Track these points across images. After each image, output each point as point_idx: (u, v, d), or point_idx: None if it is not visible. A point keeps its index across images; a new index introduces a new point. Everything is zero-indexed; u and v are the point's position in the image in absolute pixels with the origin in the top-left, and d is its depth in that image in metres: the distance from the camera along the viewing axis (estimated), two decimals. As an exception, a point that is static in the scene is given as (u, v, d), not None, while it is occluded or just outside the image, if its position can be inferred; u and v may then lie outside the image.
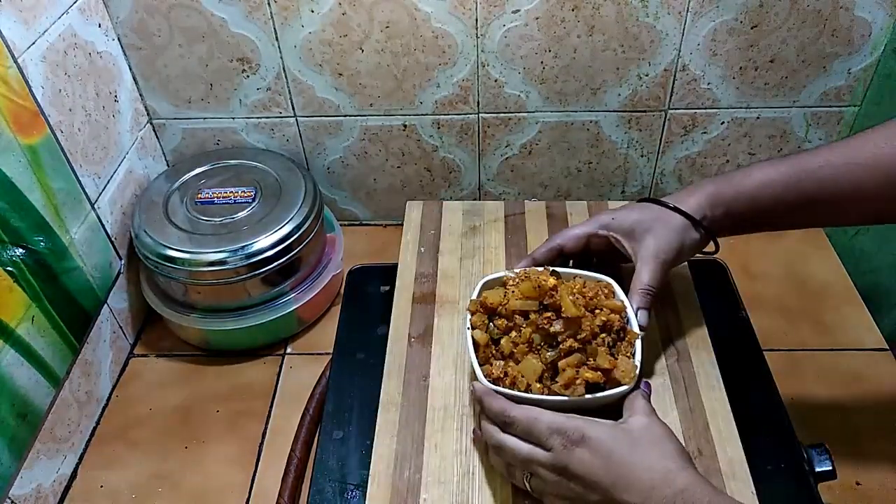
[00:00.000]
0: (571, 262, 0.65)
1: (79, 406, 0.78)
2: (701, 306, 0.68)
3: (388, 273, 0.77)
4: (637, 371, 0.54)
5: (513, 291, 0.58)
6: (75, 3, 0.77)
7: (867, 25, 0.84)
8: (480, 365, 0.56)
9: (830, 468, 0.58)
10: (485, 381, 0.55)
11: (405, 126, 0.94)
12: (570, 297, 0.55)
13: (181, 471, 0.77)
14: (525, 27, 0.84)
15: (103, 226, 0.82)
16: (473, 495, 0.55)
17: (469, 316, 0.59)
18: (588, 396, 0.53)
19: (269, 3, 0.83)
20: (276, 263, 0.82)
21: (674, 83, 0.89)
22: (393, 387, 0.63)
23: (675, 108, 0.92)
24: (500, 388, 0.54)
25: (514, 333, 0.56)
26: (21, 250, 0.67)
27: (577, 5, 0.82)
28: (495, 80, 0.89)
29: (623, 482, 0.47)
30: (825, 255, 0.97)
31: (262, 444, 0.79)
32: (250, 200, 0.86)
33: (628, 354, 0.55)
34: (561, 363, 0.54)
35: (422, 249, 0.76)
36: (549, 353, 0.55)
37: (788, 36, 0.85)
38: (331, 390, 0.72)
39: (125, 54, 0.88)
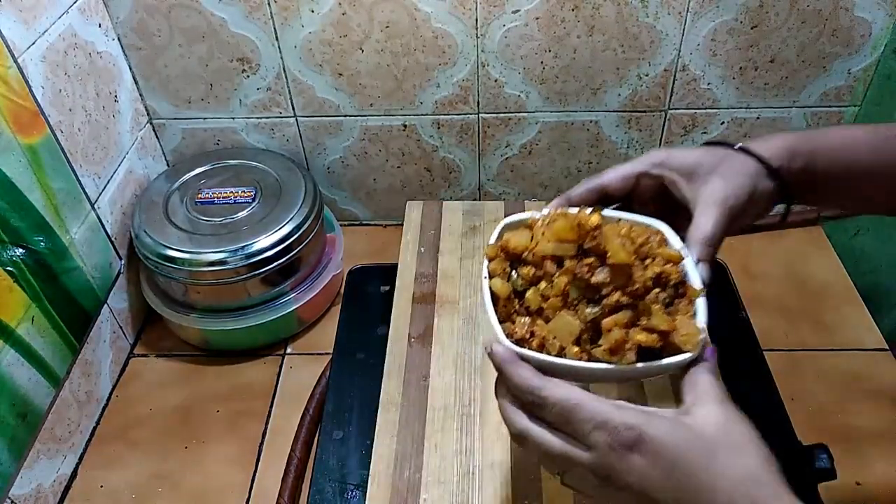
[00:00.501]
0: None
1: (79, 406, 0.78)
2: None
3: (388, 273, 0.77)
4: (702, 336, 0.42)
5: (543, 233, 0.46)
6: (75, 3, 0.77)
7: (867, 25, 0.84)
8: (501, 322, 0.45)
9: (830, 468, 0.58)
10: (507, 341, 0.43)
11: (405, 126, 0.94)
12: (619, 240, 0.44)
13: (181, 471, 0.77)
14: (525, 27, 0.84)
15: (103, 226, 0.82)
16: (473, 495, 0.55)
17: (486, 262, 0.48)
18: (641, 365, 0.42)
19: (269, 3, 0.83)
20: (276, 263, 0.82)
21: (674, 83, 0.89)
22: (393, 387, 0.63)
23: (675, 109, 0.92)
24: (527, 351, 0.43)
25: (543, 284, 0.45)
26: (21, 250, 0.67)
27: (577, 5, 0.82)
28: (495, 80, 0.89)
29: (691, 501, 0.37)
30: (825, 255, 0.97)
31: (262, 444, 0.79)
32: (250, 200, 0.86)
33: (689, 315, 0.44)
34: (605, 322, 0.43)
35: (422, 249, 0.76)
36: (589, 310, 0.43)
37: (788, 36, 0.85)
38: (331, 390, 0.72)
39: (125, 54, 0.88)
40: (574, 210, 0.46)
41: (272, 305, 0.85)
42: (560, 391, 0.40)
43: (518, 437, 0.42)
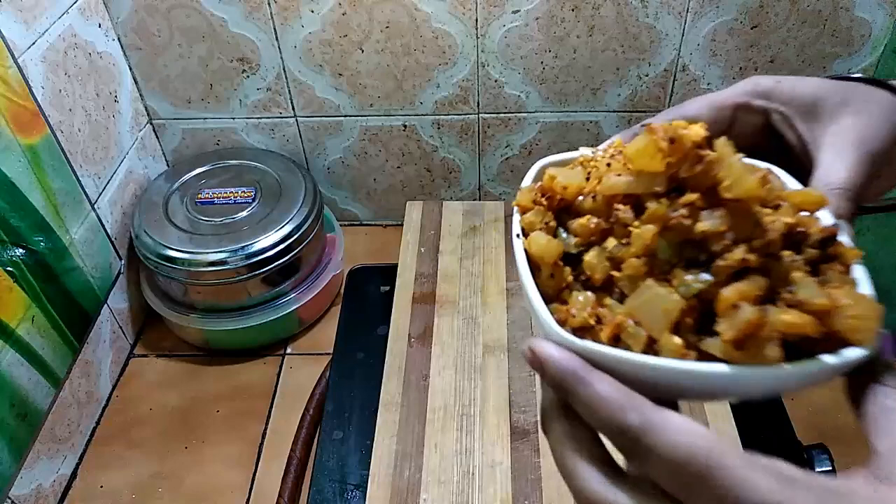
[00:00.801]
0: None
1: (79, 406, 0.78)
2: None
3: (388, 273, 0.77)
4: (878, 319, 0.27)
5: (609, 164, 0.32)
6: (75, 3, 0.77)
7: (867, 25, 0.84)
8: (547, 302, 0.30)
9: (830, 468, 0.58)
10: (563, 332, 0.28)
11: (405, 126, 0.94)
12: (738, 163, 0.28)
13: (181, 471, 0.77)
14: (525, 27, 0.84)
15: (103, 226, 0.82)
16: (473, 495, 0.55)
17: (517, 216, 0.33)
18: (790, 368, 0.26)
19: (269, 3, 0.83)
20: (276, 263, 0.82)
21: (674, 83, 0.89)
22: (393, 387, 0.63)
23: (675, 108, 0.92)
24: (593, 346, 0.28)
25: (612, 242, 0.30)
26: (21, 250, 0.67)
27: (577, 5, 0.82)
28: (495, 81, 0.89)
29: None
30: (825, 255, 0.97)
31: (262, 444, 0.79)
32: (250, 200, 0.86)
33: (850, 287, 0.29)
34: (726, 294, 0.27)
35: (422, 249, 0.76)
36: (692, 277, 0.28)
37: (788, 36, 0.85)
38: (331, 390, 0.72)
39: (125, 54, 0.88)
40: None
41: (272, 305, 0.85)
42: (682, 437, 0.24)
43: (585, 497, 0.26)
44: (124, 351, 0.89)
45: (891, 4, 0.82)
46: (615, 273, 0.29)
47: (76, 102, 0.77)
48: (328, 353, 0.84)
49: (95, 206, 0.81)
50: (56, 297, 0.72)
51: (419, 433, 0.59)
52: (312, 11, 0.83)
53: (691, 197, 0.28)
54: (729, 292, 0.27)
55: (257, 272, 0.81)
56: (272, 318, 0.85)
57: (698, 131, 0.29)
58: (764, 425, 0.62)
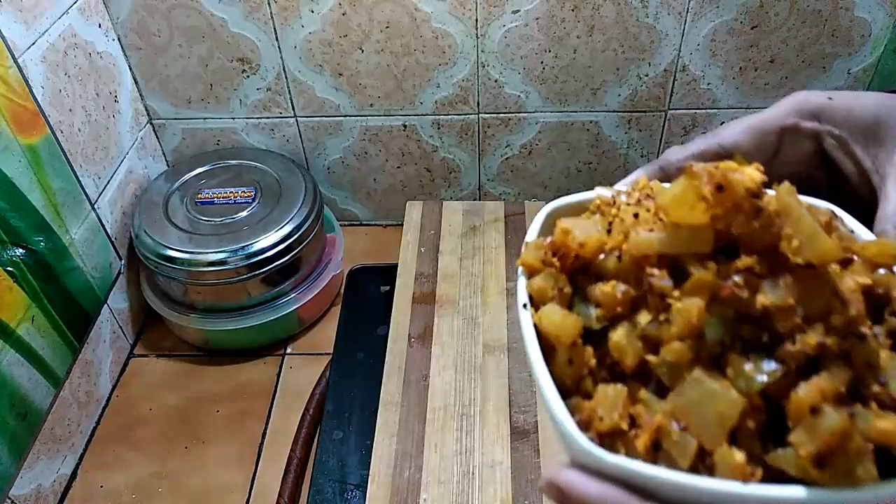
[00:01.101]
0: None
1: (79, 406, 0.78)
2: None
3: (388, 273, 0.77)
4: None
5: (636, 215, 0.26)
6: (75, 3, 0.77)
7: (867, 25, 0.84)
8: (566, 397, 0.24)
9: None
10: (583, 440, 0.23)
11: (405, 126, 0.94)
12: (808, 217, 0.23)
13: (181, 471, 0.77)
14: (525, 27, 0.84)
15: (103, 226, 0.82)
16: (473, 495, 0.55)
17: (524, 277, 0.27)
18: (891, 488, 0.21)
19: (269, 3, 0.83)
20: (276, 263, 0.82)
21: (674, 83, 0.89)
22: (393, 387, 0.63)
23: (675, 109, 0.92)
24: (629, 464, 0.22)
25: (644, 316, 0.24)
26: (21, 250, 0.67)
27: (577, 5, 0.82)
28: (495, 81, 0.89)
29: None
30: (825, 255, 0.97)
31: (262, 444, 0.79)
32: (250, 200, 0.86)
33: None
34: (805, 395, 0.21)
35: (422, 249, 0.76)
36: (751, 367, 0.22)
37: (788, 36, 0.85)
38: (331, 390, 0.72)
39: (125, 54, 0.88)
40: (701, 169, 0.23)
41: (272, 305, 0.85)
42: None
43: None
44: (124, 351, 0.89)
45: (891, 4, 0.82)
46: (651, 358, 0.23)
47: (76, 102, 0.77)
48: (328, 353, 0.85)
49: (95, 206, 0.81)
50: (56, 297, 0.72)
51: (419, 433, 0.59)
52: (312, 11, 0.83)
53: (748, 261, 0.22)
54: (806, 392, 0.21)
55: (257, 272, 0.81)
56: (272, 318, 0.85)
57: (753, 175, 0.23)
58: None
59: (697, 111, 0.92)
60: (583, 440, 0.23)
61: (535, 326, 0.25)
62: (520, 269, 0.27)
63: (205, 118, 0.94)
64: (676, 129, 0.94)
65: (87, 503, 0.75)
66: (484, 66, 0.88)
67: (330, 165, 0.99)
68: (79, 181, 0.77)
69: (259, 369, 0.87)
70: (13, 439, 0.66)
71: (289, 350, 0.89)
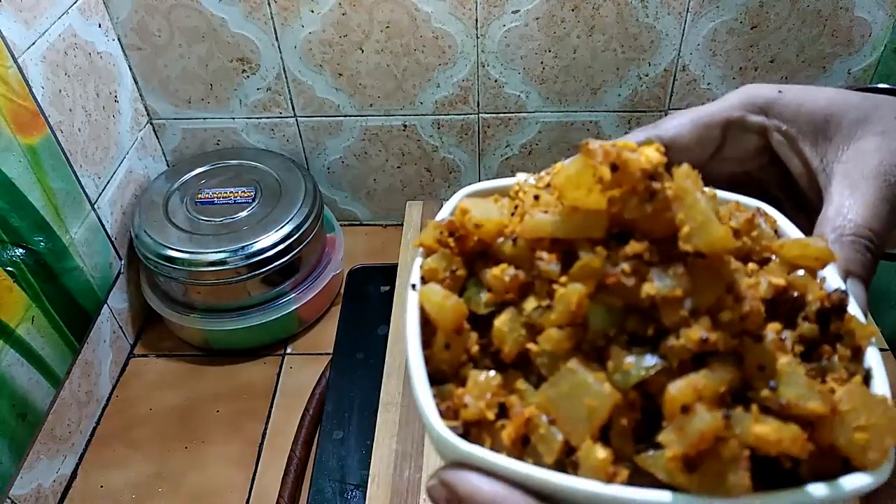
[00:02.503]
0: None
1: (79, 406, 0.78)
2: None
3: (388, 273, 0.77)
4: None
5: (536, 196, 0.25)
6: (75, 3, 0.77)
7: (867, 25, 0.84)
8: (437, 381, 0.24)
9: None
10: (444, 430, 0.22)
11: (405, 126, 0.94)
12: (703, 201, 0.21)
13: (181, 471, 0.77)
14: (525, 27, 0.84)
15: (103, 226, 0.82)
16: (473, 495, 0.55)
17: (419, 261, 0.26)
18: (761, 502, 0.19)
19: (269, 3, 0.83)
20: (276, 263, 0.82)
21: (674, 83, 0.89)
22: (393, 387, 0.63)
23: (676, 109, 0.92)
24: (484, 453, 0.21)
25: (532, 303, 0.23)
26: (21, 250, 0.67)
27: (577, 5, 0.82)
28: (495, 81, 0.89)
29: None
30: (825, 255, 0.97)
31: (262, 444, 0.79)
32: (250, 200, 0.86)
33: (857, 383, 0.21)
34: (677, 392, 0.20)
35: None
36: (632, 359, 0.21)
37: (788, 36, 0.85)
38: (331, 390, 0.72)
39: (125, 54, 0.88)
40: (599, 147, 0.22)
41: (272, 305, 0.85)
42: None
43: None
44: (124, 351, 0.89)
45: (891, 4, 0.82)
46: (531, 346, 0.22)
47: (76, 102, 0.77)
48: (328, 353, 0.85)
49: (95, 206, 0.81)
50: (56, 297, 0.72)
51: (419, 433, 0.59)
52: (312, 11, 0.83)
53: (638, 247, 0.21)
54: (678, 388, 0.19)
55: (257, 272, 0.81)
56: (272, 318, 0.85)
57: (650, 156, 0.21)
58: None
59: (697, 111, 0.92)
60: (439, 427, 0.21)
61: (421, 306, 0.24)
62: (419, 248, 0.26)
63: (205, 118, 0.94)
64: (676, 129, 0.94)
65: (87, 503, 0.75)
66: (484, 66, 0.88)
67: (330, 165, 0.99)
68: (79, 181, 0.77)
69: (259, 369, 0.87)
70: (13, 439, 0.66)
71: (289, 350, 0.89)
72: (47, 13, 0.72)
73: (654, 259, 0.21)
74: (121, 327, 0.87)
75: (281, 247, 0.82)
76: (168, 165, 0.99)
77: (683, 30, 0.84)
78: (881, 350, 0.84)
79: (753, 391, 0.20)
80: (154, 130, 0.96)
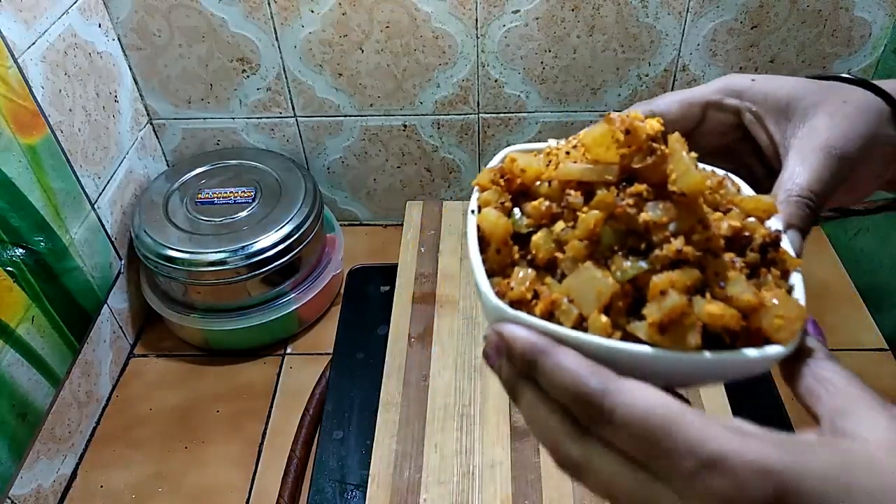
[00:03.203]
0: None
1: (79, 406, 0.78)
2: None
3: (388, 273, 0.77)
4: (803, 323, 0.29)
5: (568, 152, 0.32)
6: (75, 3, 0.77)
7: (867, 25, 0.84)
8: (490, 276, 0.31)
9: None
10: (497, 300, 0.30)
11: (405, 126, 0.94)
12: (688, 158, 0.30)
13: (181, 471, 0.77)
14: (525, 27, 0.84)
15: (103, 226, 0.82)
16: (473, 495, 0.55)
17: (476, 194, 0.34)
18: (709, 356, 0.27)
19: (269, 3, 0.83)
20: (276, 263, 0.82)
21: (674, 83, 0.89)
22: (393, 387, 0.63)
23: (675, 108, 0.92)
24: (523, 316, 0.29)
25: (561, 225, 0.31)
26: (21, 250, 0.67)
27: (577, 5, 0.82)
28: (495, 81, 0.89)
29: None
30: (825, 255, 0.97)
31: (262, 444, 0.79)
32: (250, 200, 0.86)
33: (783, 288, 0.30)
34: (657, 281, 0.28)
35: (422, 249, 0.76)
36: (629, 263, 0.29)
37: (788, 36, 0.85)
38: (331, 390, 0.72)
39: (125, 54, 0.88)
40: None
41: (272, 305, 0.85)
42: (639, 400, 0.25)
43: (565, 463, 0.27)
44: (124, 351, 0.89)
45: (891, 4, 0.82)
46: (559, 254, 0.30)
47: (76, 102, 0.77)
48: (328, 353, 0.85)
49: (95, 206, 0.81)
50: (56, 297, 0.72)
51: (419, 433, 0.59)
52: (312, 11, 0.83)
53: (639, 188, 0.29)
54: (659, 279, 0.28)
55: (257, 272, 0.81)
56: (272, 318, 0.85)
57: (654, 125, 0.30)
58: (764, 425, 0.62)
59: (697, 111, 0.92)
60: (494, 300, 0.30)
61: (478, 224, 0.32)
62: (475, 187, 0.34)
63: (205, 118, 0.94)
64: (676, 129, 0.94)
65: (87, 503, 0.75)
66: (484, 66, 0.88)
67: (330, 165, 0.99)
68: (79, 181, 0.77)
69: (259, 369, 0.87)
70: (13, 439, 0.66)
71: (289, 350, 0.89)
72: (47, 13, 0.72)
73: (650, 197, 0.29)
74: (121, 327, 0.87)
75: (281, 247, 0.82)
76: (168, 165, 0.99)
77: (683, 30, 0.84)
78: (881, 350, 0.84)
79: (709, 288, 0.28)
80: (154, 130, 0.96)
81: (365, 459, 0.62)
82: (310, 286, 0.87)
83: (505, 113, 0.92)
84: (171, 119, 0.95)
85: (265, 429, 0.80)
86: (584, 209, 0.30)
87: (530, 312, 0.29)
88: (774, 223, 0.32)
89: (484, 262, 0.31)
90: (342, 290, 0.89)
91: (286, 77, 0.89)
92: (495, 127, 0.94)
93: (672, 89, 0.89)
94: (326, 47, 0.86)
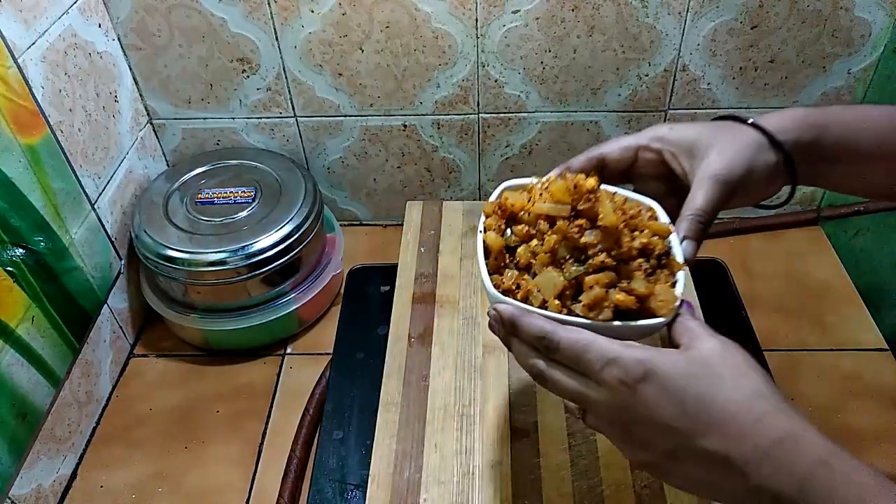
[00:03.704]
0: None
1: (79, 406, 0.78)
2: (701, 306, 0.68)
3: (388, 273, 0.77)
4: (677, 303, 0.45)
5: (540, 194, 0.49)
6: (75, 3, 0.77)
7: (867, 25, 0.84)
8: (490, 274, 0.48)
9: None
10: (493, 290, 0.47)
11: (405, 126, 0.94)
12: (610, 204, 0.46)
13: (181, 471, 0.77)
14: (525, 27, 0.84)
15: (103, 226, 0.82)
16: (473, 495, 0.55)
17: (483, 218, 0.51)
18: (617, 323, 0.44)
19: (269, 3, 0.83)
20: (276, 263, 0.82)
21: (674, 83, 0.89)
22: (393, 387, 0.63)
23: (675, 109, 0.92)
24: (509, 300, 0.46)
25: (535, 242, 0.48)
26: (21, 250, 0.67)
27: (577, 5, 0.82)
28: (495, 81, 0.89)
29: (703, 426, 0.38)
30: (825, 255, 0.97)
31: (262, 444, 0.79)
32: (250, 200, 0.86)
33: (668, 285, 0.46)
34: (588, 279, 0.45)
35: (422, 249, 0.76)
36: (574, 268, 0.46)
37: (788, 36, 0.85)
38: (331, 390, 0.72)
39: (125, 54, 0.88)
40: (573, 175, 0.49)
41: (272, 305, 0.85)
42: (571, 333, 0.41)
43: (538, 378, 0.44)
44: (124, 351, 0.89)
45: (891, 4, 0.82)
46: (533, 261, 0.47)
47: (76, 102, 0.77)
48: (328, 353, 0.85)
49: (95, 206, 0.81)
50: (56, 297, 0.72)
51: (419, 433, 0.59)
52: (312, 11, 0.83)
53: (581, 221, 0.46)
54: (590, 278, 0.45)
55: (257, 272, 0.81)
56: (272, 318, 0.85)
57: (591, 182, 0.47)
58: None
59: (698, 111, 0.92)
60: (493, 289, 0.46)
61: (484, 241, 0.49)
62: (482, 213, 0.51)
63: (205, 118, 0.94)
64: (676, 129, 0.94)
65: (87, 503, 0.75)
66: (484, 66, 0.88)
67: (330, 165, 0.99)
68: (79, 181, 0.77)
69: (259, 369, 0.87)
70: (13, 439, 0.66)
71: (289, 350, 0.89)
72: (47, 13, 0.72)
73: (587, 227, 0.46)
74: (121, 327, 0.87)
75: (281, 247, 0.82)
76: (168, 165, 0.99)
77: (683, 30, 0.84)
78: (881, 350, 0.84)
79: (621, 284, 0.45)
80: (154, 130, 0.96)
81: (365, 459, 0.62)
82: (310, 286, 0.87)
83: (505, 113, 0.92)
84: (171, 119, 0.95)
85: (265, 429, 0.80)
86: (549, 233, 0.47)
87: (514, 297, 0.46)
88: (673, 236, 0.48)
89: (487, 265, 0.48)
90: (342, 290, 0.89)
91: (286, 77, 0.89)
92: (495, 127, 0.94)
93: (672, 89, 0.90)
94: (326, 47, 0.86)
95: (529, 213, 0.48)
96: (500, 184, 0.53)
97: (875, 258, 0.91)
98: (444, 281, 0.72)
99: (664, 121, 0.93)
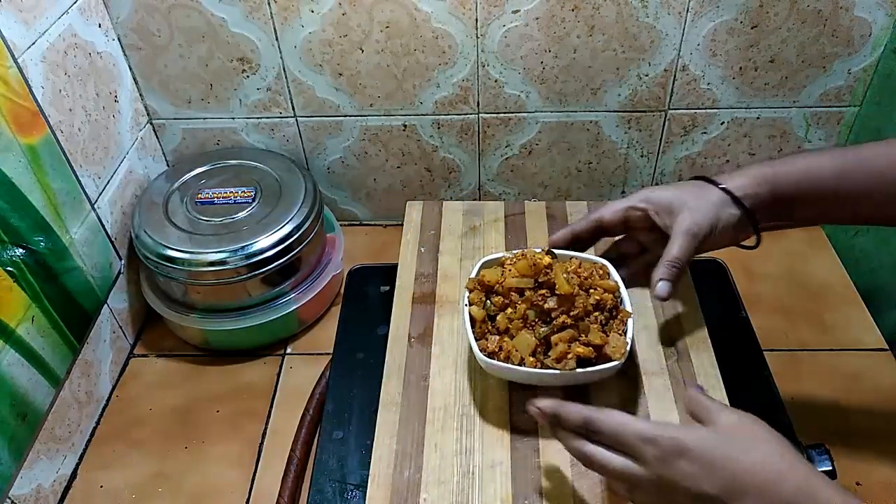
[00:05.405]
0: (608, 238, 0.68)
1: (79, 406, 0.78)
2: (701, 306, 0.68)
3: (388, 273, 0.77)
4: (627, 348, 0.56)
5: (509, 270, 0.60)
6: (75, 3, 0.77)
7: (867, 25, 0.84)
8: (476, 340, 0.58)
9: (830, 468, 0.58)
10: (481, 354, 0.57)
11: (405, 126, 0.94)
12: (564, 276, 0.58)
13: (181, 471, 0.77)
14: (525, 27, 0.84)
15: (103, 226, 0.82)
16: (473, 495, 0.55)
17: (467, 293, 0.61)
18: (579, 371, 0.55)
19: (269, 3, 0.83)
20: (276, 263, 0.82)
21: (674, 83, 0.89)
22: (393, 387, 0.63)
23: (675, 109, 0.92)
24: (496, 362, 0.57)
25: (509, 310, 0.58)
26: (21, 250, 0.67)
27: (577, 5, 0.82)
28: (495, 81, 0.89)
29: (733, 489, 0.44)
30: (825, 255, 0.97)
31: (262, 444, 0.79)
32: (250, 200, 0.86)
33: (620, 332, 0.57)
34: (553, 338, 0.56)
35: (422, 249, 0.76)
36: (542, 329, 0.57)
37: (788, 36, 0.85)
38: (331, 390, 0.72)
39: (125, 54, 0.88)
40: (538, 249, 0.61)
41: (272, 305, 0.85)
42: (610, 417, 0.48)
43: (584, 459, 0.50)
44: (124, 351, 0.89)
45: (891, 4, 0.82)
46: (510, 325, 0.58)
47: (76, 102, 0.77)
48: (328, 353, 0.84)
49: (95, 206, 0.81)
50: (56, 297, 0.72)
51: (419, 433, 0.59)
52: (312, 11, 0.83)
53: (543, 291, 0.58)
54: (555, 337, 0.56)
55: (257, 272, 0.81)
56: (272, 318, 0.85)
57: (546, 259, 0.59)
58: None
59: (697, 111, 0.92)
60: (480, 354, 0.57)
61: (469, 313, 0.60)
62: (465, 289, 0.62)
63: (205, 118, 0.94)
64: (676, 129, 0.94)
65: (87, 503, 0.75)
66: (484, 66, 0.88)
67: (330, 165, 0.99)
68: (79, 181, 0.77)
69: (259, 369, 0.87)
70: (13, 439, 0.66)
71: (289, 350, 0.89)
72: (47, 13, 0.72)
73: (549, 294, 0.58)
74: (121, 327, 0.87)
75: (281, 247, 0.82)
76: (168, 165, 0.99)
77: (683, 30, 0.84)
78: (881, 350, 0.84)
79: (581, 338, 0.56)
80: (154, 130, 0.96)
81: (365, 459, 0.62)
82: (310, 286, 0.87)
83: (505, 113, 0.92)
84: (171, 119, 0.95)
85: (265, 429, 0.80)
86: (520, 301, 0.58)
87: (497, 359, 0.57)
88: (622, 290, 0.61)
89: (473, 332, 0.59)
90: (342, 290, 0.89)
91: (286, 77, 0.89)
92: (495, 127, 0.94)
93: (672, 89, 0.90)
94: (326, 47, 0.86)
95: (502, 286, 0.59)
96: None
97: (875, 258, 0.91)
98: (444, 281, 0.72)
99: (664, 122, 0.93)
